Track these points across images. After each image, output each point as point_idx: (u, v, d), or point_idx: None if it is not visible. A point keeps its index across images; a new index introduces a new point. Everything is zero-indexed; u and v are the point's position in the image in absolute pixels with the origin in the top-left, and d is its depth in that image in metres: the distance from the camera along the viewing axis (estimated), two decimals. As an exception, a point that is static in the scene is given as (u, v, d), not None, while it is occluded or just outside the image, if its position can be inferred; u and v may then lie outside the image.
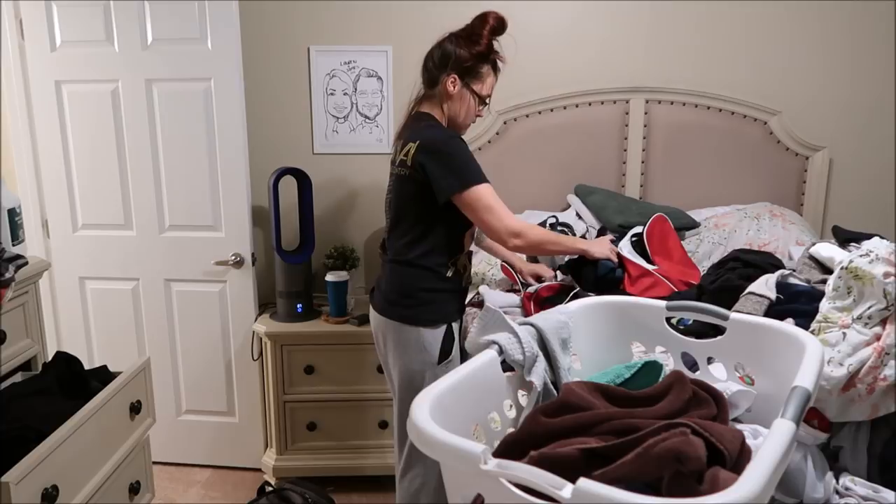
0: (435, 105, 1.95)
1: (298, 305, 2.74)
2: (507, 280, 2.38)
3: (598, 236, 2.40)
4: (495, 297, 2.24)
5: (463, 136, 1.96)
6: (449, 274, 1.92)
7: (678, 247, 2.20)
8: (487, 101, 1.97)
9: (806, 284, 1.42)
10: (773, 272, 1.47)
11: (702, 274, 2.04)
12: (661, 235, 2.16)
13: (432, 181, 1.80)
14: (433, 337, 1.91)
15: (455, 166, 1.80)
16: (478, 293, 2.30)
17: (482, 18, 1.90)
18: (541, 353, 1.09)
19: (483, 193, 1.80)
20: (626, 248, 2.07)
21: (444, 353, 1.93)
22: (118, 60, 2.61)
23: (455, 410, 0.90)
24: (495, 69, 1.95)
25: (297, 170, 2.79)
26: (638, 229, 2.16)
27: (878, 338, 1.12)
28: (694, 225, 2.60)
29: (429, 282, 1.90)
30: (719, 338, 1.12)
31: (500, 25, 1.90)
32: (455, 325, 1.99)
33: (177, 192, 2.71)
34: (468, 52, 1.89)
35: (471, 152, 1.87)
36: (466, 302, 2.11)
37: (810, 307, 1.27)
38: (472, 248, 2.06)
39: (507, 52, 1.98)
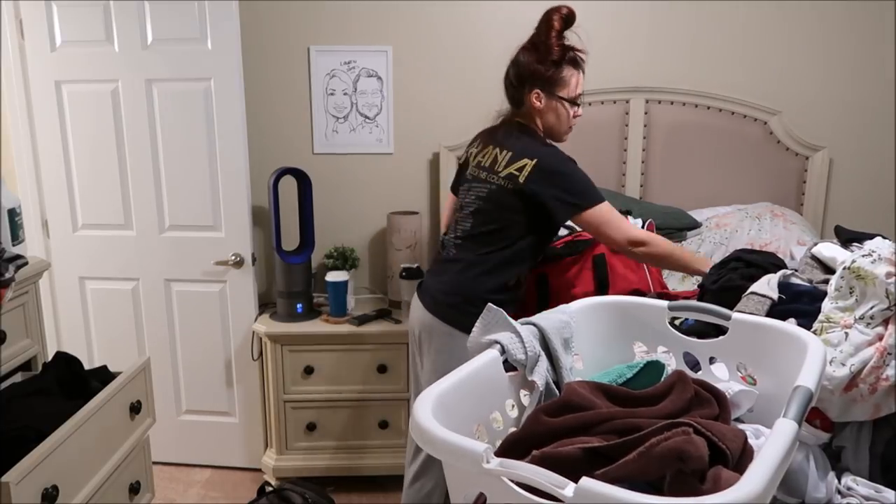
0: (530, 119, 1.92)
1: (298, 305, 2.74)
2: None
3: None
4: None
5: (566, 141, 1.98)
6: (512, 282, 1.91)
7: None
8: (579, 101, 1.93)
9: (808, 284, 1.41)
10: (775, 272, 1.47)
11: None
12: None
13: (549, 201, 1.81)
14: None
15: (578, 189, 1.82)
16: None
17: (547, 22, 1.85)
18: (543, 353, 1.09)
19: (605, 210, 1.83)
20: (637, 226, 2.08)
21: None
22: (118, 60, 2.61)
23: (457, 410, 0.90)
24: (577, 66, 1.89)
25: (297, 170, 2.78)
26: (638, 221, 2.17)
27: (880, 338, 1.11)
28: (695, 225, 2.60)
29: (496, 293, 1.88)
30: (721, 338, 1.12)
31: (566, 23, 1.85)
32: None
33: (177, 192, 2.71)
34: (542, 63, 1.85)
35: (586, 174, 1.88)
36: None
37: (812, 307, 1.26)
38: None
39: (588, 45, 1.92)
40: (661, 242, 1.85)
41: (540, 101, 1.88)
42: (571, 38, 1.89)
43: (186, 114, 2.63)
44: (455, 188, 2.16)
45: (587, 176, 1.86)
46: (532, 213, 1.84)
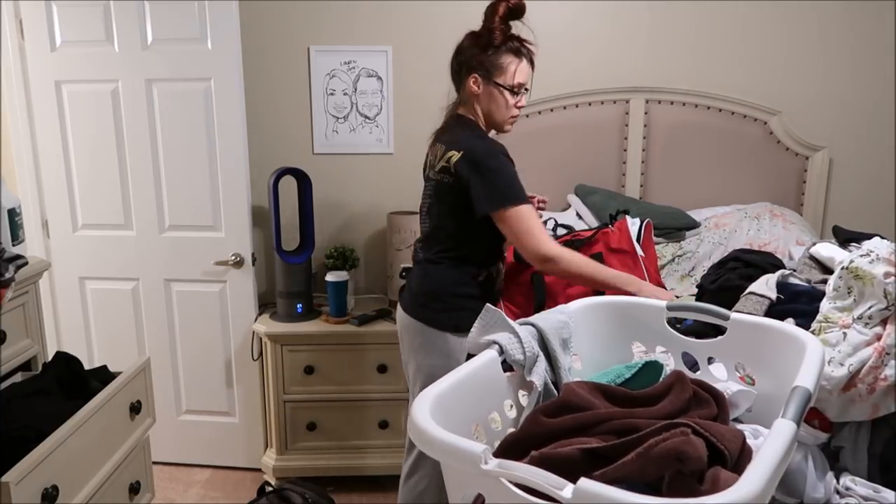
0: (470, 107, 1.90)
1: (298, 305, 2.74)
2: None
3: (611, 222, 2.28)
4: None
5: (508, 131, 1.96)
6: (482, 278, 1.89)
7: (655, 257, 2.20)
8: (520, 90, 1.87)
9: (806, 284, 1.41)
10: (773, 272, 1.47)
11: (702, 275, 2.04)
12: (648, 236, 2.17)
13: (472, 194, 1.77)
14: (459, 344, 1.87)
15: (498, 184, 1.77)
16: None
17: (492, 8, 1.84)
18: (541, 353, 1.09)
19: (523, 214, 1.77)
20: (634, 226, 2.08)
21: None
22: (118, 60, 2.61)
23: (455, 410, 0.90)
24: (518, 55, 1.84)
25: (297, 170, 2.79)
26: (636, 220, 2.17)
27: (878, 338, 1.12)
28: (694, 225, 2.60)
29: (460, 287, 1.88)
30: (720, 338, 1.12)
31: (512, 11, 1.82)
32: None
33: (177, 192, 2.71)
34: (480, 47, 1.83)
35: (514, 170, 1.82)
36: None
37: (811, 307, 1.27)
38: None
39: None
40: (572, 261, 1.77)
41: (478, 87, 1.85)
42: (523, 32, 1.86)
43: (186, 114, 2.63)
44: None
45: (515, 173, 1.81)
46: (469, 208, 1.80)
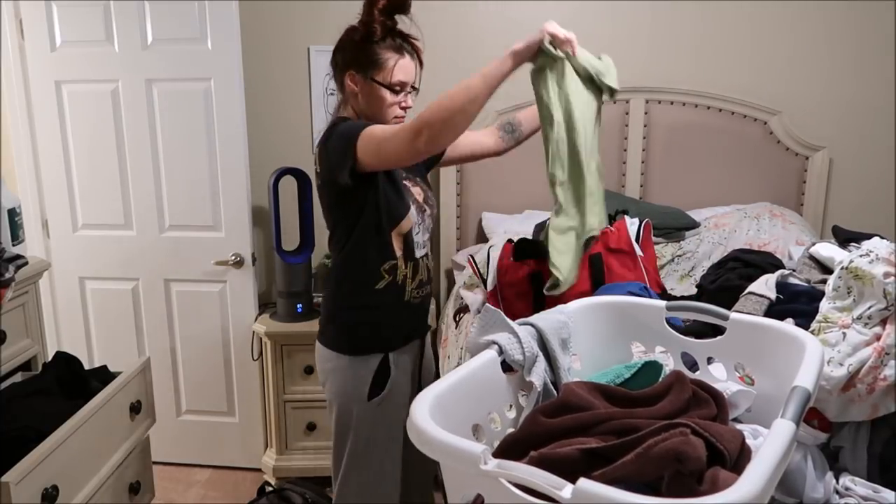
0: (348, 107, 1.74)
1: (298, 305, 2.74)
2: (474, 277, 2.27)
3: (610, 222, 2.25)
4: (472, 299, 2.11)
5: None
6: (380, 286, 1.69)
7: (654, 256, 2.20)
8: (402, 88, 1.69)
9: (806, 284, 1.41)
10: (773, 272, 1.47)
11: (701, 275, 2.04)
12: (647, 236, 2.16)
13: (332, 167, 1.60)
14: (364, 368, 1.70)
15: (341, 135, 1.58)
16: (459, 298, 2.24)
17: (371, 2, 1.67)
18: (541, 354, 1.09)
19: (369, 132, 1.55)
20: (633, 226, 2.07)
21: (376, 387, 1.70)
22: (118, 60, 2.61)
23: (455, 411, 0.90)
24: (399, 51, 1.68)
25: (297, 170, 2.79)
26: (636, 220, 2.16)
27: (878, 338, 1.12)
28: (694, 225, 2.60)
29: (355, 298, 1.72)
30: (719, 338, 1.12)
31: (393, 5, 1.67)
32: (394, 355, 1.74)
33: (177, 192, 2.71)
34: (356, 41, 1.67)
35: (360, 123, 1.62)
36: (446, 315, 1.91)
37: (810, 307, 1.27)
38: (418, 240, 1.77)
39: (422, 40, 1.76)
40: (428, 110, 1.46)
41: (354, 84, 1.69)
42: (410, 29, 1.72)
43: (186, 114, 2.63)
44: None
45: (355, 123, 1.62)
46: (341, 199, 1.66)
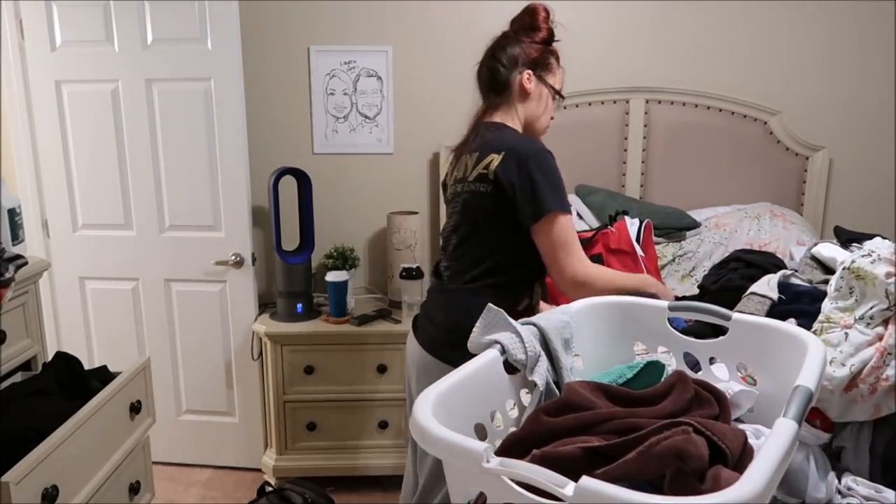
0: (507, 113, 1.68)
1: (298, 305, 2.74)
2: None
3: (610, 223, 2.23)
4: None
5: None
6: (520, 307, 1.64)
7: (655, 256, 2.20)
8: (562, 96, 1.73)
9: (808, 285, 1.41)
10: (774, 272, 1.47)
11: (702, 275, 2.04)
12: (648, 236, 2.17)
13: (518, 201, 1.53)
14: None
15: (545, 187, 1.53)
16: None
17: (532, 10, 1.69)
18: (543, 353, 1.09)
19: (565, 225, 1.53)
20: (633, 226, 2.07)
21: None
22: (118, 60, 2.61)
23: (457, 409, 0.90)
24: (559, 62, 1.72)
25: (297, 170, 2.79)
26: (636, 221, 2.17)
27: (880, 338, 1.12)
28: (694, 225, 2.60)
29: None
30: (721, 338, 1.11)
31: (549, 14, 1.70)
32: None
33: (177, 192, 2.71)
34: (534, 43, 1.66)
35: (560, 174, 1.59)
36: None
37: (812, 307, 1.27)
38: None
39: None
40: (605, 280, 1.55)
41: (530, 84, 1.66)
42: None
43: (186, 114, 2.63)
44: None
45: (561, 177, 1.58)
46: (509, 214, 1.58)
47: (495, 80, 1.68)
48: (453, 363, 1.58)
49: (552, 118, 1.75)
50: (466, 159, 1.66)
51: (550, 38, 1.69)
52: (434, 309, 1.72)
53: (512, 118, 1.68)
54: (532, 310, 1.68)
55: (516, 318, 1.50)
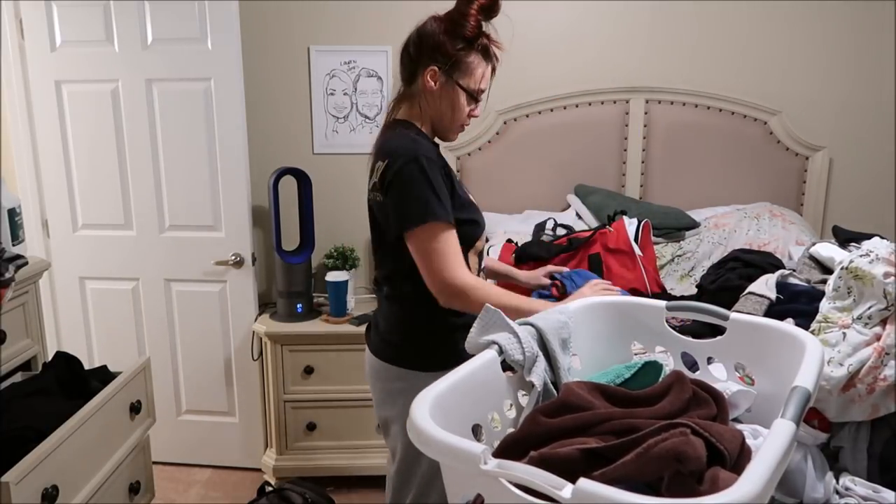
0: (415, 106, 1.59)
1: (298, 305, 2.74)
2: None
3: (609, 223, 2.24)
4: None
5: (454, 140, 1.65)
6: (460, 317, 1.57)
7: (653, 256, 2.20)
8: (479, 97, 1.59)
9: (806, 284, 1.41)
10: (773, 272, 1.47)
11: (701, 275, 2.04)
12: (646, 236, 2.17)
13: (389, 212, 1.50)
14: None
15: (407, 197, 1.46)
16: None
17: (466, 3, 1.54)
18: (541, 353, 1.09)
19: (431, 233, 1.45)
20: (632, 226, 2.07)
21: None
22: (118, 60, 2.61)
23: (455, 410, 0.90)
24: (487, 57, 1.57)
25: (297, 170, 2.79)
26: (634, 221, 2.17)
27: (878, 338, 1.12)
28: (694, 225, 2.60)
29: (433, 321, 1.57)
30: (719, 338, 1.12)
31: (491, 5, 1.53)
32: None
33: (177, 192, 2.71)
34: (451, 38, 1.52)
35: (441, 179, 1.49)
36: None
37: (810, 307, 1.27)
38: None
39: (507, 46, 1.65)
40: (489, 294, 1.45)
41: (435, 82, 1.54)
42: (487, 28, 1.59)
43: (186, 114, 2.63)
44: None
45: (436, 184, 1.47)
46: None
47: (406, 69, 1.60)
48: (403, 365, 1.59)
49: (472, 115, 1.61)
50: (370, 163, 1.61)
51: (476, 35, 1.54)
52: (377, 315, 1.71)
53: (418, 114, 1.59)
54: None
55: (455, 314, 1.53)
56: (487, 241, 2.72)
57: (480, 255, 1.68)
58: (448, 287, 1.46)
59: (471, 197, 1.65)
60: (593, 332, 1.20)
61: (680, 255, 2.50)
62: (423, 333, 1.61)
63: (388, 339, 1.64)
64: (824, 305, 1.22)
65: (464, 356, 1.59)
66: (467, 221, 1.58)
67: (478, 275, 1.66)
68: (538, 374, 1.05)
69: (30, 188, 2.73)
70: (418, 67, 1.56)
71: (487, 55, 1.57)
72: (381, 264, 1.65)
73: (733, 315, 1.11)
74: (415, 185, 1.46)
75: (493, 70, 1.61)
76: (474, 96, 1.57)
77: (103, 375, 1.96)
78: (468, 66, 1.54)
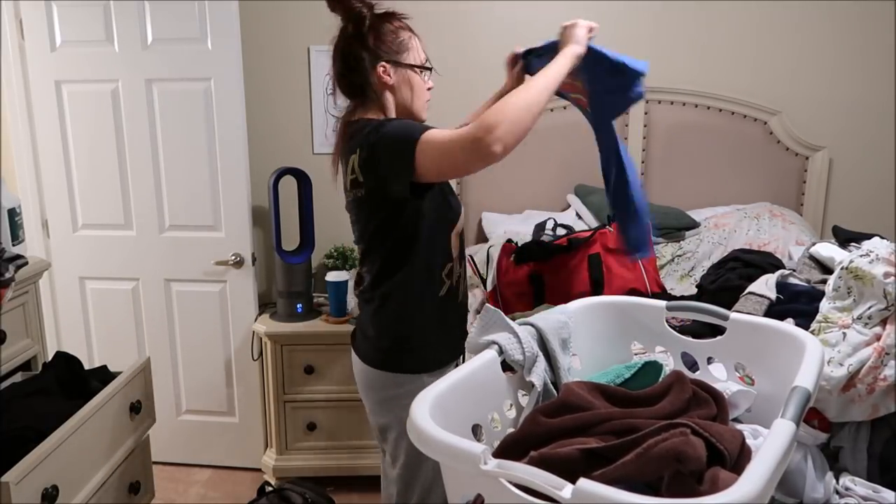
0: (372, 107, 1.56)
1: (298, 305, 2.74)
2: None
3: (609, 223, 2.24)
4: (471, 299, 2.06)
5: (425, 119, 1.61)
6: (442, 292, 1.57)
7: (653, 256, 2.20)
8: (429, 65, 1.59)
9: (806, 284, 1.42)
10: (773, 272, 1.47)
11: (701, 275, 2.04)
12: None
13: (387, 176, 1.44)
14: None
15: (394, 140, 1.42)
16: None
17: (338, 3, 1.58)
18: (541, 353, 1.09)
19: (431, 135, 1.38)
20: None
21: None
22: (118, 60, 2.61)
23: (455, 411, 0.90)
24: (409, 30, 1.58)
25: (297, 170, 2.79)
26: None
27: (878, 338, 1.12)
28: (694, 225, 2.60)
29: (421, 313, 1.56)
30: (719, 338, 1.12)
31: None
32: (462, 359, 1.63)
33: (177, 192, 2.71)
34: (374, 30, 1.53)
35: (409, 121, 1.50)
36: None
37: (810, 307, 1.27)
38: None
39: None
40: (509, 109, 1.32)
41: (388, 76, 1.53)
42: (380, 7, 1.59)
43: (186, 114, 2.63)
44: None
45: (405, 126, 1.45)
46: (395, 208, 1.49)
47: (353, 85, 1.57)
48: (396, 370, 1.56)
49: (430, 89, 1.61)
50: (340, 167, 1.58)
51: (388, 20, 1.55)
52: (362, 322, 1.64)
53: (382, 113, 1.56)
54: (454, 293, 1.61)
55: (441, 307, 1.53)
56: (487, 240, 2.73)
57: (461, 236, 1.63)
58: (480, 135, 1.30)
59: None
60: (593, 333, 1.21)
61: (680, 255, 2.50)
62: (417, 334, 1.57)
63: (379, 346, 1.59)
64: (824, 305, 1.22)
65: (457, 355, 1.57)
66: (451, 199, 1.59)
67: (461, 255, 1.64)
68: (538, 374, 1.06)
69: (30, 188, 2.73)
70: (364, 74, 1.54)
71: (406, 28, 1.58)
72: (367, 265, 1.60)
73: (733, 315, 1.11)
74: (396, 130, 1.43)
75: (418, 36, 1.60)
76: (426, 67, 1.58)
77: (103, 375, 1.96)
78: (403, 44, 1.55)
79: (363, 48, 1.52)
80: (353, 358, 1.66)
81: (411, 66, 1.55)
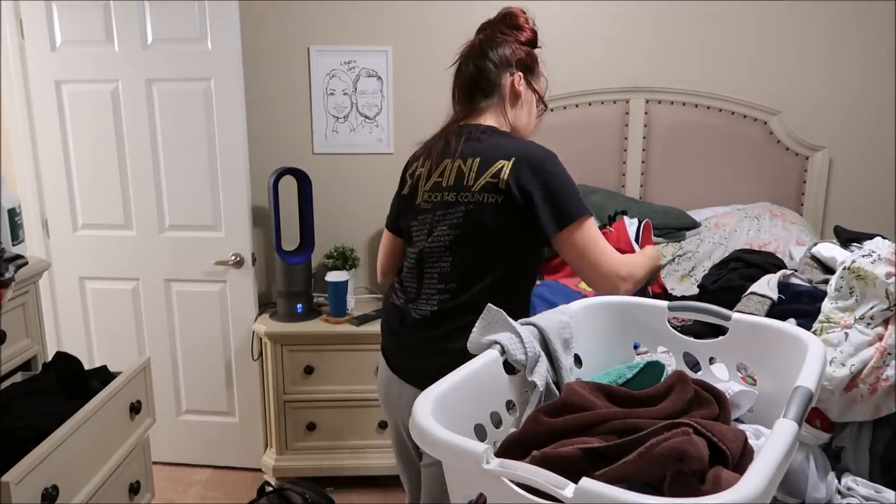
0: (495, 116, 1.55)
1: (298, 305, 2.74)
2: None
3: (609, 223, 2.23)
4: None
5: None
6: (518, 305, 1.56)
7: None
8: (546, 105, 1.64)
9: (808, 284, 1.41)
10: (774, 272, 1.47)
11: (702, 275, 2.04)
12: (647, 236, 2.17)
13: (538, 208, 1.42)
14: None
15: (567, 193, 1.43)
16: None
17: (511, 13, 1.58)
18: (543, 353, 1.09)
19: (594, 230, 1.44)
20: (632, 226, 2.08)
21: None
22: (118, 60, 2.61)
23: (457, 410, 0.90)
24: (539, 68, 1.63)
25: (297, 170, 2.79)
26: (634, 221, 2.17)
27: (880, 338, 1.12)
28: (694, 225, 2.60)
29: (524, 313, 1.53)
30: (721, 338, 1.11)
31: (528, 16, 1.61)
32: None
33: (177, 192, 2.71)
34: (521, 45, 1.55)
35: None
36: None
37: (812, 307, 1.27)
38: None
39: None
40: (638, 268, 1.50)
41: (521, 86, 1.55)
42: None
43: (186, 114, 2.63)
44: (395, 225, 1.70)
45: (576, 192, 1.47)
46: (524, 227, 1.45)
47: (484, 79, 1.55)
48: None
49: (536, 126, 1.65)
50: (458, 164, 1.50)
51: (535, 40, 1.59)
52: (427, 345, 1.52)
53: (501, 123, 1.56)
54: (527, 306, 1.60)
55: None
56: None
57: None
58: (622, 277, 1.43)
59: None
60: (595, 333, 1.20)
61: (680, 255, 2.50)
62: None
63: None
64: (826, 305, 1.22)
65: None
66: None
67: None
68: (540, 375, 1.05)
69: (30, 188, 2.73)
70: (502, 75, 1.55)
71: (539, 65, 1.62)
72: (464, 282, 1.49)
73: (735, 315, 1.11)
74: (567, 180, 1.46)
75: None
76: (544, 102, 1.62)
77: (103, 375, 1.95)
78: (536, 72, 1.60)
79: (513, 52, 1.55)
80: (402, 389, 1.54)
81: (536, 91, 1.59)
